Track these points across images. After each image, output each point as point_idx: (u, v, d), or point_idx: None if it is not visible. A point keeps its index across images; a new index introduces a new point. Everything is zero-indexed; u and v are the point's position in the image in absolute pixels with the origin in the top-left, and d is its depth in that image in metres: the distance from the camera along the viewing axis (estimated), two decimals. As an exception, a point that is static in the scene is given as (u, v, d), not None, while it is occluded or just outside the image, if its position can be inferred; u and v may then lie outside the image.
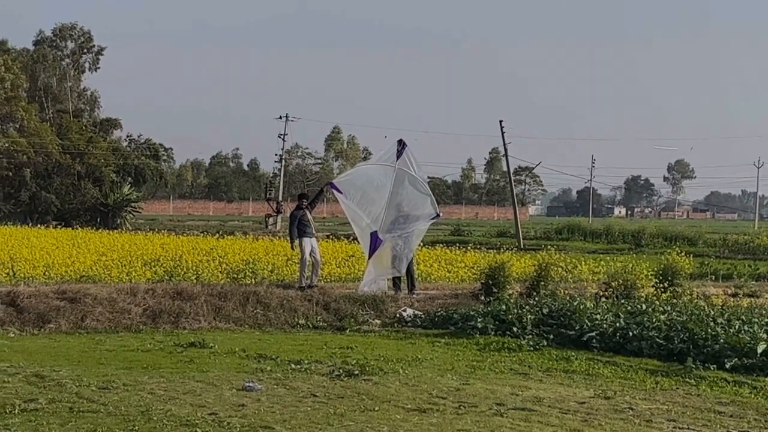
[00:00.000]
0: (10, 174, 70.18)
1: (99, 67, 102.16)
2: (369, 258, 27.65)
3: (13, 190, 71.65)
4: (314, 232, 28.77)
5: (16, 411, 13.65)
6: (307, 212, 28.71)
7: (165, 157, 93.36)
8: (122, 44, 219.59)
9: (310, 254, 27.95)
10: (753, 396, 16.81)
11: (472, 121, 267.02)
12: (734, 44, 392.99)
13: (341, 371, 17.78)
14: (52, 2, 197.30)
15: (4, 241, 34.04)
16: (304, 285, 26.95)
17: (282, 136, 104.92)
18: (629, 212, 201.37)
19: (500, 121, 74.51)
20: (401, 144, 27.90)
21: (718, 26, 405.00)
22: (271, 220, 70.58)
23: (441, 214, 30.82)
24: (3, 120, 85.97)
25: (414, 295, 27.00)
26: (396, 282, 27.45)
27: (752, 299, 28.17)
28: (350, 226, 30.98)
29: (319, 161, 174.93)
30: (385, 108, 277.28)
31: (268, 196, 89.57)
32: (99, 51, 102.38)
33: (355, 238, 31.50)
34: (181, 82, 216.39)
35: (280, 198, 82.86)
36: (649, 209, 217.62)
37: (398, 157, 27.92)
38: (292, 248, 28.64)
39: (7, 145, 74.50)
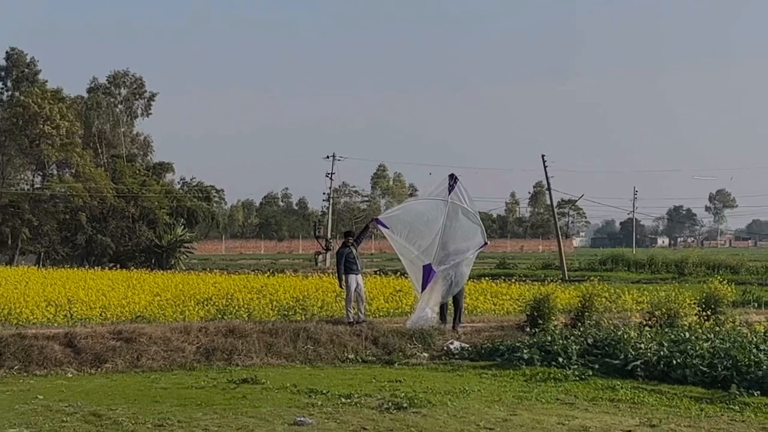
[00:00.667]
0: (67, 218, 71.21)
1: (151, 113, 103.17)
2: (422, 291, 27.56)
3: (69, 234, 72.40)
4: (360, 268, 28.71)
5: None
6: (353, 249, 28.70)
7: (216, 199, 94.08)
8: (174, 88, 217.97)
9: (356, 290, 27.90)
10: None
11: (515, 155, 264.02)
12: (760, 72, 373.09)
13: (390, 404, 17.67)
14: (105, 50, 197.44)
15: (62, 283, 34.18)
16: (351, 320, 26.94)
17: (329, 175, 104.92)
18: (672, 242, 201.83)
19: (542, 156, 74.63)
20: (452, 178, 27.95)
21: (744, 54, 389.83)
22: (320, 257, 71.00)
23: (488, 242, 30.74)
24: (59, 166, 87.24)
25: (460, 329, 26.92)
26: (443, 313, 27.39)
27: None
28: (398, 261, 31.27)
29: (366, 199, 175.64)
30: (428, 145, 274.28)
31: (317, 234, 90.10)
32: (151, 96, 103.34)
33: (403, 273, 31.65)
34: (231, 123, 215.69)
35: (329, 235, 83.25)
36: (692, 239, 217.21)
37: (450, 191, 27.86)
38: (340, 286, 28.39)
39: (63, 190, 75.40)
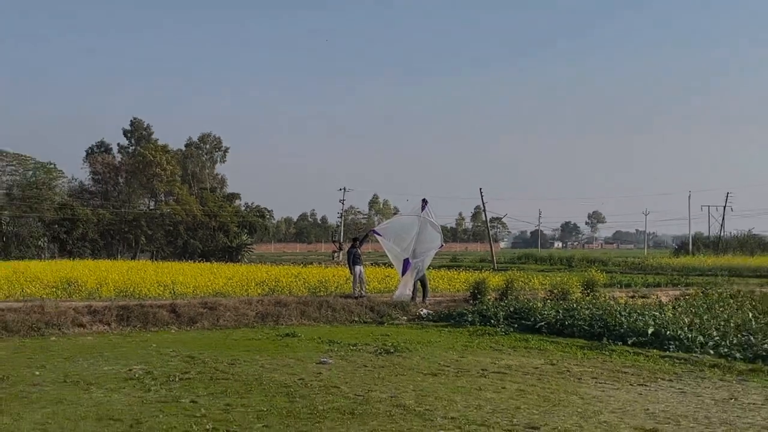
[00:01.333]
0: (170, 229, 74.28)
1: (226, 160, 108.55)
2: (402, 275, 28.17)
3: (172, 239, 74.34)
4: (361, 261, 29.43)
5: (176, 379, 14.00)
6: (358, 249, 29.74)
7: (268, 216, 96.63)
8: (245, 139, 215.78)
9: (359, 275, 28.78)
10: (646, 362, 17.05)
11: (463, 187, 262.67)
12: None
13: (382, 350, 18.11)
14: (197, 114, 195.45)
15: (168, 271, 33.82)
16: (356, 295, 27.79)
17: (341, 201, 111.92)
18: (564, 245, 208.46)
19: (480, 189, 78.80)
20: (424, 202, 28.33)
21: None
22: (335, 254, 72.00)
23: (444, 245, 30.87)
24: (166, 195, 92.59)
25: (427, 301, 27.47)
26: (414, 293, 27.85)
27: (644, 299, 28.23)
28: (386, 257, 31.49)
29: (365, 216, 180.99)
30: (406, 179, 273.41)
31: (333, 239, 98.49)
32: (226, 150, 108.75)
33: (389, 265, 32.24)
34: (278, 164, 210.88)
35: (341, 240, 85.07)
36: (577, 243, 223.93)
37: (422, 209, 28.39)
38: (351, 272, 29.16)
39: (168, 210, 79.71)
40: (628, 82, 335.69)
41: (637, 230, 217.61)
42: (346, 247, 37.01)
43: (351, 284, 29.06)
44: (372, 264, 41.54)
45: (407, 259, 27.99)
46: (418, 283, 28.40)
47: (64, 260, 50.74)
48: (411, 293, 28.10)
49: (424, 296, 28.17)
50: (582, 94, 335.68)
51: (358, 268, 29.12)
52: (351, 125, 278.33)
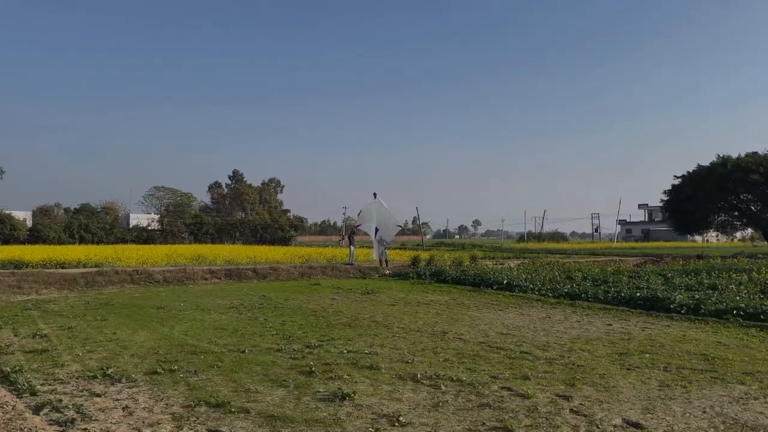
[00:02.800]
0: (253, 228, 70.33)
1: (282, 192, 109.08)
2: (374, 241, 27.02)
3: (254, 234, 70.59)
4: (354, 243, 28.88)
5: (256, 308, 13.84)
6: (353, 236, 29.41)
7: (305, 221, 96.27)
8: (294, 176, 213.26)
9: (353, 251, 28.06)
10: (502, 298, 16.66)
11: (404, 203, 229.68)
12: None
13: (365, 292, 17.85)
14: (269, 164, 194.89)
15: (252, 251, 33.30)
16: (351, 263, 26.89)
17: (344, 213, 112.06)
18: (460, 237, 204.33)
19: (416, 207, 78.23)
20: (375, 195, 27.19)
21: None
22: (340, 241, 71.96)
23: (401, 226, 29.19)
24: (250, 210, 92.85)
25: (389, 266, 26.15)
26: (381, 262, 26.51)
27: (501, 265, 27.07)
28: (369, 243, 29.84)
29: (355, 221, 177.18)
30: (381, 193, 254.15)
31: (340, 233, 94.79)
32: (282, 186, 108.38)
33: (369, 246, 29.85)
34: (311, 194, 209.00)
35: (343, 234, 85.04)
36: (467, 235, 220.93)
37: (374, 198, 26.87)
38: (349, 249, 28.68)
39: (252, 218, 78.32)
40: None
41: (498, 229, 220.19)
42: (346, 237, 36.66)
43: (347, 258, 28.35)
44: (360, 246, 41.29)
45: (376, 229, 26.64)
46: (383, 256, 27.20)
47: (196, 245, 50.48)
48: (382, 259, 26.48)
49: (386, 264, 27.33)
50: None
51: (352, 247, 28.45)
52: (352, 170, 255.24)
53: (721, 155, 44.42)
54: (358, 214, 30.66)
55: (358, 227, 29.61)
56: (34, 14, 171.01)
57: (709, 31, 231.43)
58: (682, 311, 13.30)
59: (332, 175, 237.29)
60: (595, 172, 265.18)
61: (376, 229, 26.78)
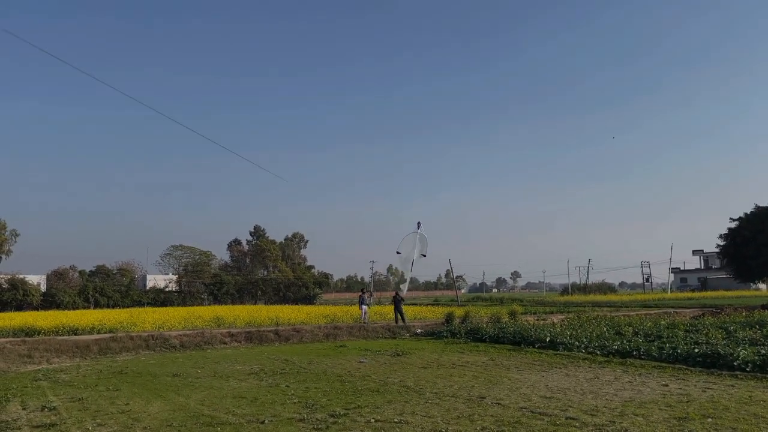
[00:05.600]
0: (275, 286, 71.90)
1: (306, 247, 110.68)
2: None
3: (276, 292, 71.81)
4: (369, 303, 28.98)
5: (277, 373, 13.90)
6: (366, 296, 29.42)
7: (330, 277, 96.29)
8: (317, 233, 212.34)
9: (365, 312, 28.04)
10: (545, 357, 16.52)
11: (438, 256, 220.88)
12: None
13: (394, 353, 17.84)
14: (291, 219, 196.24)
15: (274, 311, 33.28)
16: (364, 322, 26.71)
17: (371, 267, 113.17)
18: (498, 290, 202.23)
19: (449, 260, 77.05)
20: (419, 224, 27.87)
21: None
22: (369, 299, 71.91)
23: (425, 255, 29.34)
24: (273, 267, 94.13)
25: (408, 323, 26.20)
26: (400, 320, 26.93)
27: (543, 321, 26.37)
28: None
29: (384, 276, 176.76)
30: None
31: (367, 290, 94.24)
32: (306, 241, 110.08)
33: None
34: (336, 249, 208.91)
35: (371, 290, 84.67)
36: (505, 289, 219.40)
37: (418, 227, 27.88)
38: (361, 308, 28.39)
39: (275, 276, 79.13)
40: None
41: (539, 281, 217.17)
42: (376, 294, 36.46)
43: (377, 318, 28.30)
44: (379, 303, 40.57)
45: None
46: (399, 314, 27.28)
47: (215, 306, 50.79)
48: (404, 321, 26.74)
49: (403, 320, 27.11)
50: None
51: (364, 307, 28.40)
52: (377, 226, 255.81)
53: (781, 194, 43.55)
54: (401, 242, 30.74)
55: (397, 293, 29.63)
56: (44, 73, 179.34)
57: (755, 52, 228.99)
58: (747, 369, 12.84)
59: (358, 229, 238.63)
60: (642, 216, 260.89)
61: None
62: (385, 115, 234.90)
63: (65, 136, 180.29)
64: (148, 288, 68.59)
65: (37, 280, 69.16)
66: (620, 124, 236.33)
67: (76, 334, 22.06)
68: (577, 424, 8.23)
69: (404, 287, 25.47)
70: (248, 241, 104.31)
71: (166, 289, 67.29)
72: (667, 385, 11.50)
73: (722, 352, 14.11)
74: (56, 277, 78.51)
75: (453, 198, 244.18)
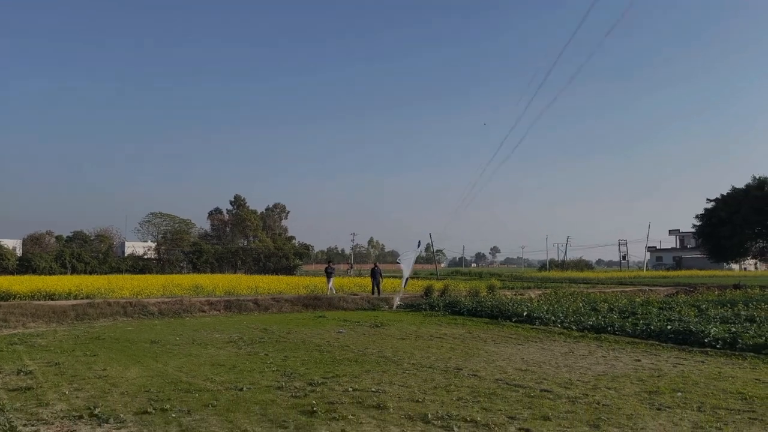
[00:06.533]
0: (256, 257, 70.62)
1: (287, 218, 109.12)
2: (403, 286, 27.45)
3: (256, 262, 71.22)
4: (333, 275, 29.14)
5: (256, 342, 13.99)
6: (331, 269, 29.53)
7: (311, 248, 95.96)
8: (299, 202, 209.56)
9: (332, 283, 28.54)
10: (522, 331, 16.72)
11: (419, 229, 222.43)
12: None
13: (373, 325, 17.97)
14: (267, 189, 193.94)
15: (253, 281, 33.31)
16: (332, 294, 26.76)
17: (352, 240, 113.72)
18: (477, 265, 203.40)
19: (430, 234, 77.31)
20: (419, 243, 28.43)
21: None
22: (348, 270, 71.80)
23: (420, 250, 30.06)
24: (253, 237, 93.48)
25: (391, 297, 25.84)
26: (375, 291, 27.66)
27: (521, 296, 27.17)
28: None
29: (365, 248, 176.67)
30: (390, 229, 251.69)
31: (347, 262, 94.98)
32: (288, 212, 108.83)
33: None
34: (317, 220, 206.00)
35: (352, 262, 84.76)
36: (484, 264, 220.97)
37: (418, 246, 28.34)
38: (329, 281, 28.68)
39: (255, 246, 78.91)
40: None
41: (518, 257, 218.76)
42: (356, 266, 36.58)
43: (356, 288, 28.41)
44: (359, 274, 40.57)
45: (407, 278, 27.44)
46: (376, 287, 27.84)
47: (194, 274, 50.58)
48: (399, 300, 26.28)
49: (378, 292, 27.52)
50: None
51: (330, 279, 28.66)
52: (357, 200, 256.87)
53: (758, 177, 44.19)
54: (399, 257, 31.23)
55: (331, 263, 30.94)
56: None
57: (739, 36, 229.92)
58: (718, 346, 13.12)
59: (340, 201, 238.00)
60: (621, 196, 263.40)
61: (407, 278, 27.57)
62: (375, 88, 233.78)
63: (40, 100, 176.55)
64: (126, 255, 68.10)
65: (12, 244, 68.24)
66: (605, 102, 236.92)
67: (52, 300, 21.86)
68: (551, 396, 8.38)
69: (397, 297, 25.54)
70: (228, 211, 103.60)
71: (145, 257, 66.86)
72: (639, 360, 11.75)
73: (694, 329, 14.41)
74: (32, 241, 77.51)
75: (433, 172, 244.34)
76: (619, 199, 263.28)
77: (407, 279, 27.37)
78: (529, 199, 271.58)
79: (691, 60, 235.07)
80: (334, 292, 27.72)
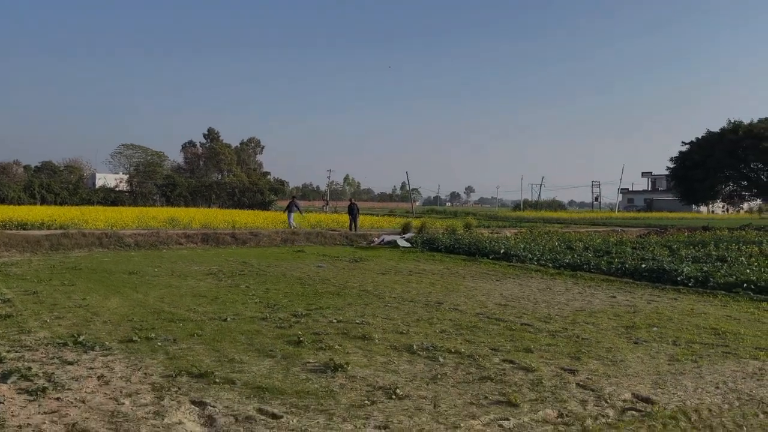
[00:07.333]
0: (230, 191, 70.39)
1: (262, 153, 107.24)
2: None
3: (231, 197, 69.94)
4: (295, 212, 28.95)
5: (237, 274, 14.08)
6: (294, 204, 29.20)
7: (286, 184, 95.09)
8: (275, 137, 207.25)
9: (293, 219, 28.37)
10: (499, 268, 16.94)
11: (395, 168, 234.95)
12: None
13: (353, 260, 18.20)
14: (241, 123, 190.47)
15: (230, 215, 33.27)
16: (293, 228, 26.45)
17: (328, 177, 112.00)
18: (452, 204, 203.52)
19: (406, 172, 76.77)
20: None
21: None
22: (324, 207, 71.53)
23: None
24: (227, 172, 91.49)
25: (370, 233, 26.22)
26: (352, 227, 27.72)
27: (497, 234, 27.41)
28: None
29: (340, 185, 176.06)
30: (366, 166, 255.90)
31: (323, 198, 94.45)
32: (263, 147, 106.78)
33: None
34: (292, 154, 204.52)
35: (327, 199, 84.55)
36: (458, 203, 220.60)
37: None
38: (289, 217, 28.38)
39: (229, 180, 77.55)
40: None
41: (492, 197, 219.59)
42: (330, 203, 36.37)
43: (334, 224, 28.29)
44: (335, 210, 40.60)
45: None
46: (353, 223, 27.83)
47: (168, 207, 50.08)
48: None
49: (355, 228, 27.64)
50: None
51: (292, 215, 28.46)
52: (334, 134, 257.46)
53: (733, 120, 44.52)
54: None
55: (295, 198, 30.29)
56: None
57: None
58: (690, 284, 13.50)
59: (315, 137, 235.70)
60: (595, 137, 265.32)
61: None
62: (363, 19, 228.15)
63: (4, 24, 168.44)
64: (97, 187, 66.92)
65: (-22, 173, 66.40)
66: (584, 42, 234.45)
67: (24, 230, 21.49)
68: (531, 330, 8.58)
69: (401, 238, 25.25)
70: (202, 144, 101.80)
71: (117, 189, 65.83)
72: (615, 297, 12.06)
73: (667, 267, 14.78)
74: (-1, 171, 75.64)
75: (411, 110, 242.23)
76: (593, 141, 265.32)
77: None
78: (506, 138, 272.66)
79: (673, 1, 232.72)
80: (295, 226, 27.51)
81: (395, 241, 23.77)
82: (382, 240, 24.36)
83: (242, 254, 19.35)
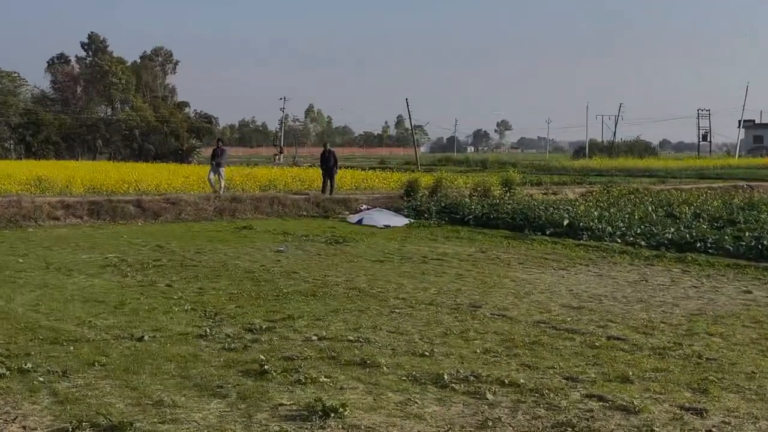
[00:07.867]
0: (126, 133, 71.79)
1: (176, 72, 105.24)
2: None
3: (128, 142, 72.45)
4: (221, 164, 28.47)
5: (150, 266, 14.15)
6: (220, 157, 28.68)
7: (214, 122, 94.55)
8: (193, 52, 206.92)
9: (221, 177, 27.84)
10: (563, 249, 17.25)
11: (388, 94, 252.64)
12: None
13: (332, 240, 18.31)
14: (140, 27, 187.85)
15: (131, 171, 33.18)
16: (217, 193, 26.38)
17: (282, 109, 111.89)
18: (476, 150, 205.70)
19: (406, 99, 76.80)
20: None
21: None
22: (276, 157, 71.37)
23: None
24: (122, 103, 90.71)
25: (355, 198, 26.55)
26: (327, 190, 27.82)
27: (555, 195, 27.92)
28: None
29: (302, 123, 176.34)
30: (339, 92, 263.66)
31: (275, 143, 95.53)
32: (176, 63, 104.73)
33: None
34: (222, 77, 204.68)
35: (282, 145, 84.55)
36: (487, 148, 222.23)
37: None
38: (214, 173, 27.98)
39: (124, 116, 77.76)
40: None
41: (538, 137, 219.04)
42: (286, 150, 36.10)
43: (298, 183, 28.34)
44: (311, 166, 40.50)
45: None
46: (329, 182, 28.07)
47: (31, 160, 49.89)
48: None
49: (331, 190, 27.90)
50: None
51: (220, 170, 27.90)
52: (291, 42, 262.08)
53: None
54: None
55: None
56: None
57: None
58: None
59: (258, 47, 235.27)
60: (699, 45, 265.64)
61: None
62: None
63: None
64: None
65: None
66: None
67: None
68: (625, 347, 8.61)
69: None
70: (80, 59, 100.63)
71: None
72: (750, 292, 12.13)
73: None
74: None
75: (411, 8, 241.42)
76: (696, 51, 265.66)
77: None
78: (560, 49, 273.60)
79: None
80: (220, 189, 27.30)
81: (388, 223, 22.57)
82: (362, 219, 23.33)
83: (157, 233, 19.32)
